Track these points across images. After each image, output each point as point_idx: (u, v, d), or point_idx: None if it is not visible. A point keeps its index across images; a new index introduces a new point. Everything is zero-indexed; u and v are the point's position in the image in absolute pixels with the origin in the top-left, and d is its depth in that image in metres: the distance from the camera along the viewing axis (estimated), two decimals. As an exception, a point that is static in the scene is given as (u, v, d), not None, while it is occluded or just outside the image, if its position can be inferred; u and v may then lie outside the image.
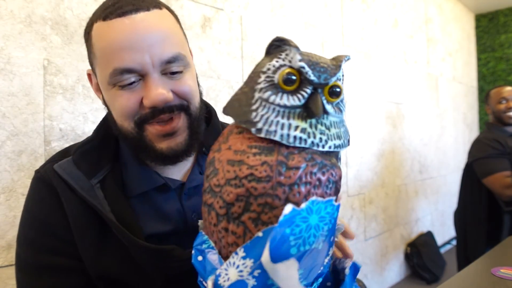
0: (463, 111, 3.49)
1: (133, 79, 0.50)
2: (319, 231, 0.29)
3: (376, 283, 2.24)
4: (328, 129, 0.35)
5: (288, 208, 0.28)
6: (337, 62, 0.35)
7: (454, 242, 2.90)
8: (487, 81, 3.73)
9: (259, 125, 0.32)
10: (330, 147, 0.34)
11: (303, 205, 0.28)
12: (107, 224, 0.52)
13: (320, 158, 0.32)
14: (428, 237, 2.67)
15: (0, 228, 0.87)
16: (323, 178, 0.32)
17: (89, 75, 0.59)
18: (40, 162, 0.91)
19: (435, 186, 2.95)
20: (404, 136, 2.53)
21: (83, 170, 0.55)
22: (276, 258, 0.27)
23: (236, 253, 0.29)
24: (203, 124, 0.61)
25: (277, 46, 0.35)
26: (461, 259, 1.93)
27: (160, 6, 0.53)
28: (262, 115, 0.33)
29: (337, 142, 0.34)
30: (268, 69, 0.34)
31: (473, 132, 3.70)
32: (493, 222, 1.78)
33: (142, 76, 0.50)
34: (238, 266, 0.29)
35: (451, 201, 3.10)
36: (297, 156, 0.32)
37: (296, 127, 0.33)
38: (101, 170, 0.56)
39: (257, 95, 0.33)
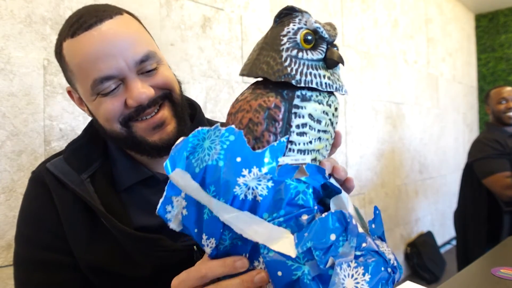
0: (463, 111, 3.49)
1: (113, 86, 0.52)
2: (212, 150, 0.35)
3: (376, 283, 2.24)
4: (339, 76, 0.42)
5: (179, 139, 0.36)
6: (333, 25, 0.42)
7: (454, 242, 2.90)
8: (487, 81, 3.73)
9: (297, 77, 0.37)
10: (345, 91, 0.41)
11: (190, 135, 0.36)
12: (97, 216, 0.54)
13: (261, 91, 0.38)
14: (428, 237, 2.67)
15: (0, 228, 0.87)
16: (254, 104, 0.38)
17: (69, 92, 0.60)
18: (40, 162, 0.91)
19: (435, 186, 2.95)
20: (404, 136, 2.53)
21: (73, 166, 0.57)
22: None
23: None
24: (187, 113, 0.62)
25: (286, 14, 0.40)
26: (461, 259, 1.93)
27: (121, 12, 0.55)
28: (297, 69, 0.38)
29: (345, 87, 0.42)
30: (288, 31, 0.38)
31: (473, 132, 3.70)
32: (493, 222, 1.78)
33: (122, 80, 0.53)
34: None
35: (451, 201, 3.10)
36: (246, 92, 0.40)
37: (324, 76, 0.39)
38: (90, 166, 0.59)
39: (285, 54, 0.38)
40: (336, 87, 0.40)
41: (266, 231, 0.34)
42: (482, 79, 3.77)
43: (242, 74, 0.41)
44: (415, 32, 2.72)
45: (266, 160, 0.35)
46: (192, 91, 1.29)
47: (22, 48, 0.90)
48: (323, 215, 0.36)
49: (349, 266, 0.34)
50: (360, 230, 0.37)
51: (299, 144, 0.37)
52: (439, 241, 2.90)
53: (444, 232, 3.09)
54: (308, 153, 0.38)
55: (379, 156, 2.28)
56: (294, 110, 0.37)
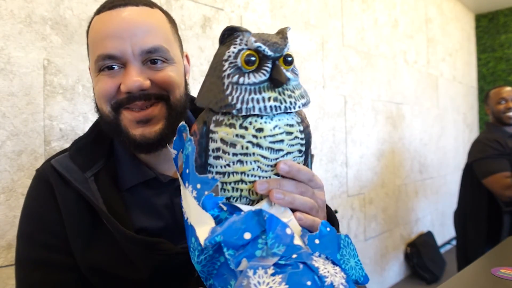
0: (463, 111, 3.49)
1: (114, 66, 0.53)
2: (185, 149, 0.40)
3: (376, 283, 2.24)
4: (293, 92, 0.39)
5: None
6: (283, 35, 0.39)
7: (454, 242, 2.90)
8: (487, 81, 3.73)
9: (238, 106, 0.36)
10: (299, 106, 0.39)
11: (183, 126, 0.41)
12: (99, 215, 0.54)
13: (200, 115, 0.41)
14: (428, 237, 2.67)
15: (0, 228, 0.87)
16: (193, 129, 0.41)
17: (90, 69, 0.61)
18: (40, 162, 0.91)
19: (435, 186, 2.95)
20: (404, 136, 2.53)
21: (78, 164, 0.57)
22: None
23: None
24: (186, 118, 0.62)
25: (229, 34, 0.39)
26: (461, 259, 1.93)
27: (152, 5, 0.56)
28: (238, 97, 0.37)
29: (303, 100, 0.40)
30: (229, 56, 0.38)
31: (473, 132, 3.70)
32: (493, 222, 1.78)
33: (124, 64, 0.53)
34: None
35: (451, 201, 3.10)
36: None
37: (269, 98, 0.37)
38: (95, 164, 0.58)
39: (226, 81, 0.37)
40: (286, 107, 0.37)
41: (198, 214, 0.36)
42: (482, 79, 3.77)
43: (196, 103, 0.41)
44: (415, 32, 2.72)
45: (199, 186, 0.37)
46: (192, 91, 1.29)
47: (22, 48, 0.90)
48: (242, 213, 0.35)
49: (266, 272, 0.31)
50: (298, 242, 0.35)
51: (216, 167, 0.38)
52: (439, 241, 2.90)
53: (444, 232, 3.09)
54: (228, 176, 0.38)
55: (379, 156, 2.28)
56: (210, 135, 0.38)
